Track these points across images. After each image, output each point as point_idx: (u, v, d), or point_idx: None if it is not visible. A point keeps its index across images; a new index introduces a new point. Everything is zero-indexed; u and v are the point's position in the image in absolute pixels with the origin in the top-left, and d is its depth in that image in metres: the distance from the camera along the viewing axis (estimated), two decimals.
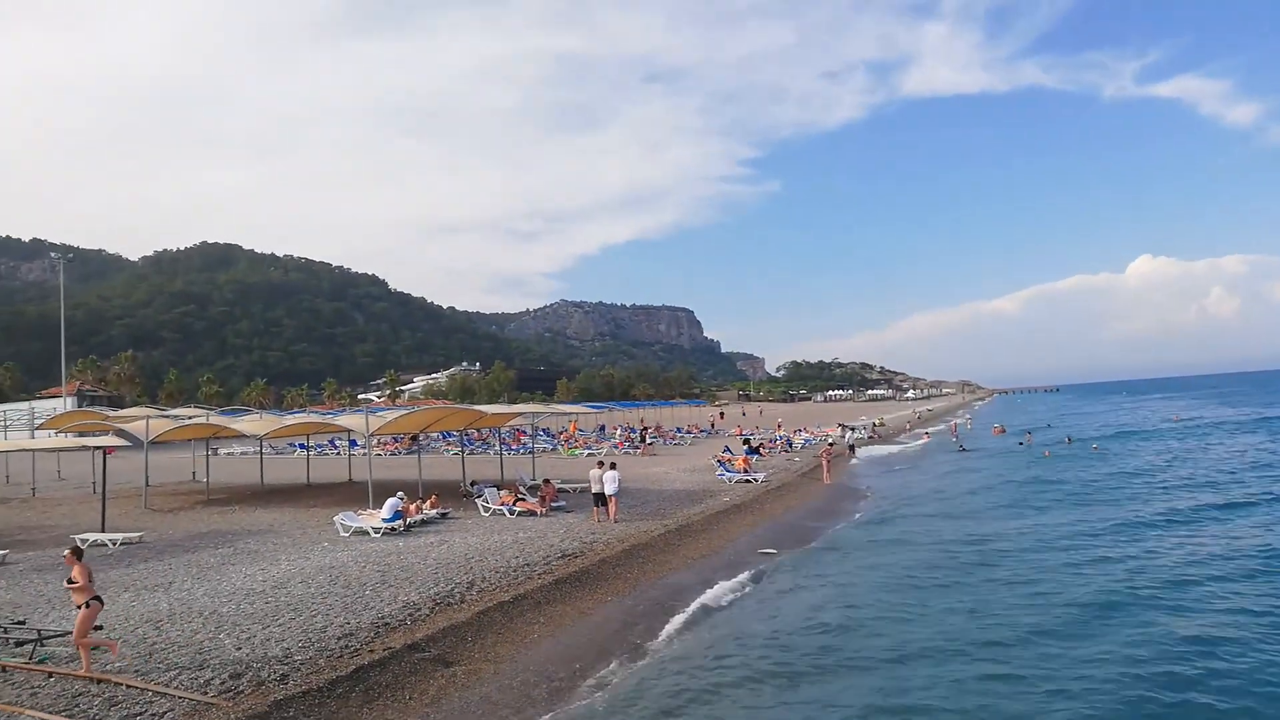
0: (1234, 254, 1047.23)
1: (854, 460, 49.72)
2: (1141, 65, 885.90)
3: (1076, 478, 37.49)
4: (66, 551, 11.95)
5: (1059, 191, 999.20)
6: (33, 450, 36.86)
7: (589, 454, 51.10)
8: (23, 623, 13.21)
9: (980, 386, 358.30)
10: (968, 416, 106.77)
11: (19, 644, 11.97)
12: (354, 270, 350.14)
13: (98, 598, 11.48)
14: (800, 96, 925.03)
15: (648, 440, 54.60)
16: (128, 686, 10.64)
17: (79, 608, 11.23)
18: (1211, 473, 36.79)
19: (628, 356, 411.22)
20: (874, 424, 79.74)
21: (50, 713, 9.77)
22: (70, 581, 11.33)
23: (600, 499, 24.13)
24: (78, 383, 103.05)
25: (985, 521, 26.77)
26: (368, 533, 22.07)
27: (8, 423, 52.15)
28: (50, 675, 11.02)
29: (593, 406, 78.11)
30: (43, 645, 11.97)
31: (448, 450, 55.61)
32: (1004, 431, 70.17)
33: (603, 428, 73.17)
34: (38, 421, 45.02)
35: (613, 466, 24.93)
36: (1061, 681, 12.05)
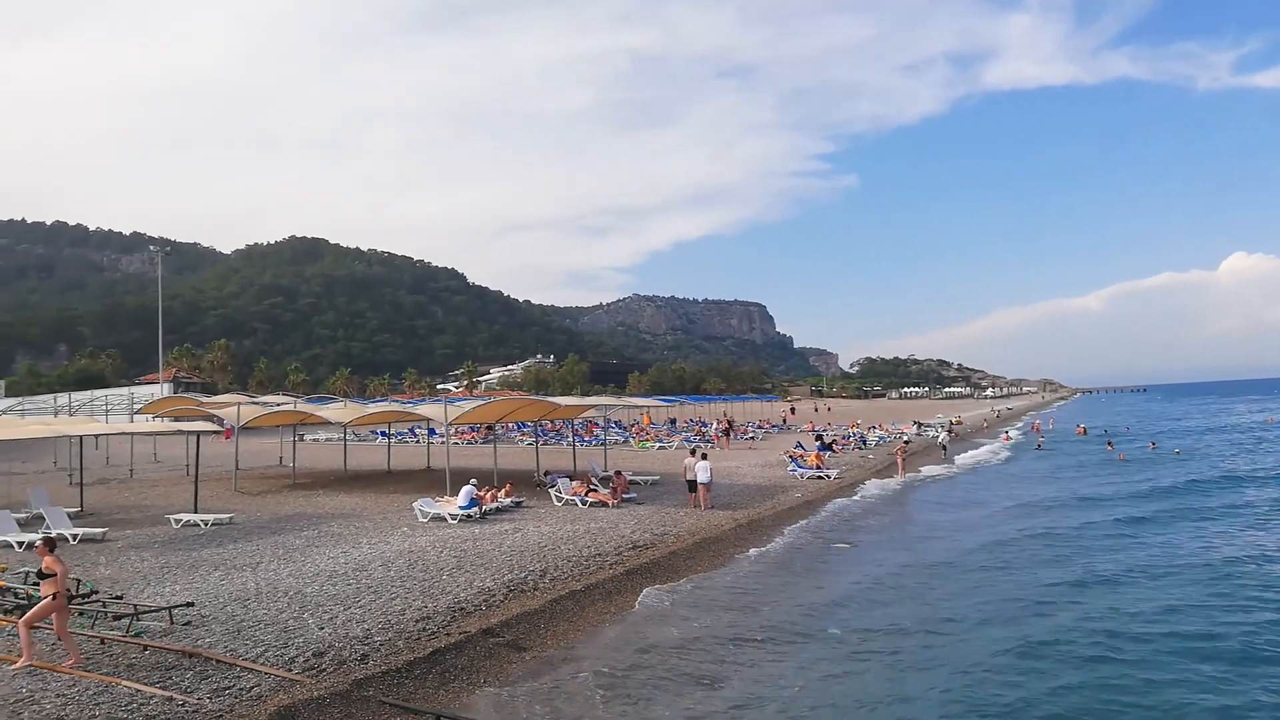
0: None
1: (942, 459, 48.60)
2: (1238, 55, 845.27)
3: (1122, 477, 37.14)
4: (38, 542, 11.92)
5: (1148, 186, 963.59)
6: (131, 434, 38.67)
7: (660, 447, 51.22)
8: (120, 598, 13.84)
9: (1063, 385, 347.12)
10: (1048, 416, 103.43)
11: (117, 618, 12.53)
12: (434, 264, 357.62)
13: (70, 596, 11.17)
14: (877, 91, 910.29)
15: (731, 435, 54.32)
16: (217, 661, 11.06)
17: (46, 599, 10.93)
18: None
19: (699, 350, 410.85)
20: (950, 422, 77.80)
21: (145, 684, 10.19)
22: (41, 575, 11.09)
23: (693, 486, 25.34)
24: (174, 370, 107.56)
25: (1039, 515, 26.85)
26: (445, 519, 22.53)
27: (109, 407, 54.76)
28: (146, 648, 11.47)
29: (664, 400, 78.20)
30: (139, 619, 12.49)
31: (522, 440, 56.36)
32: (1086, 432, 68.44)
33: (673, 421, 73.20)
34: (136, 407, 47.16)
35: (704, 456, 26.42)
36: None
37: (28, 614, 11.14)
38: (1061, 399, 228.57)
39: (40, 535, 12.21)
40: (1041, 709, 11.02)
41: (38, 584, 14.42)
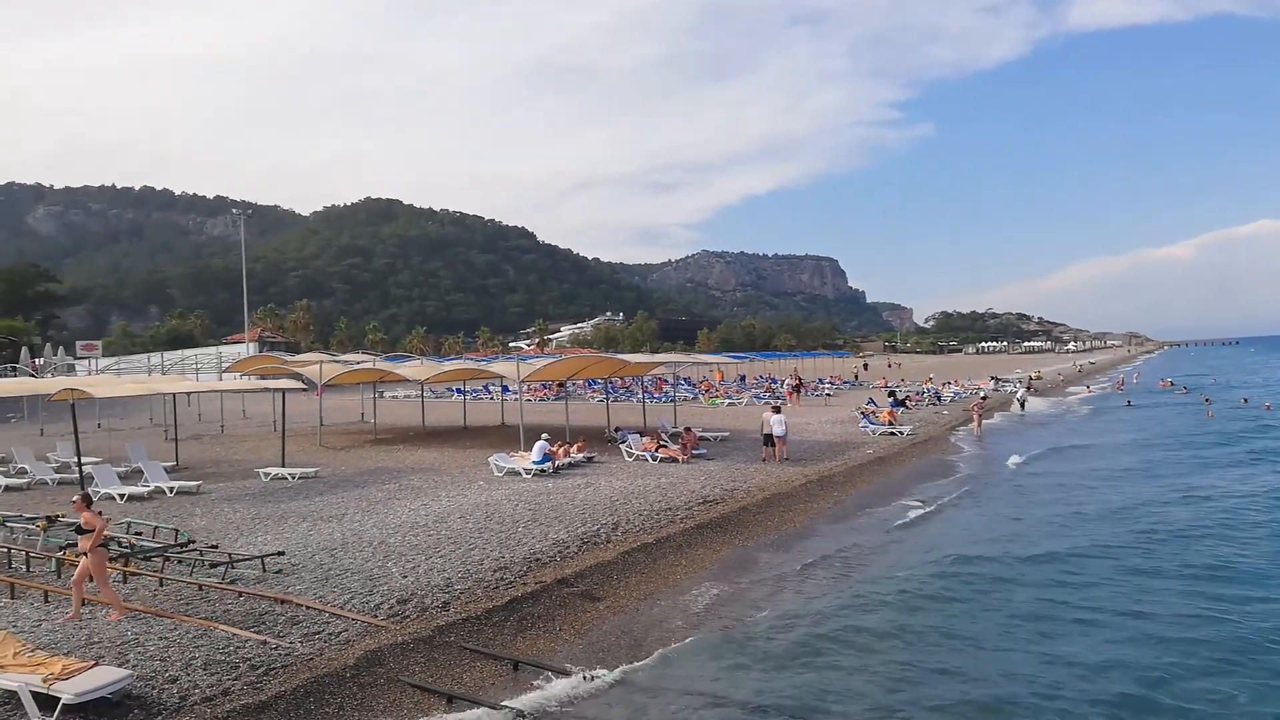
0: None
1: (1020, 414, 47.58)
2: None
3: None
4: (76, 498, 11.84)
5: (1243, 128, 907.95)
6: (220, 391, 40.29)
7: (729, 403, 51.14)
8: (215, 547, 14.57)
9: (1149, 339, 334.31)
10: (1133, 370, 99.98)
11: (213, 566, 13.19)
12: (504, 224, 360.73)
13: (104, 545, 11.27)
14: (956, 34, 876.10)
15: (801, 391, 53.90)
16: (307, 608, 11.60)
17: (83, 554, 10.98)
18: None
19: (770, 307, 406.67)
20: (1029, 378, 75.69)
21: (240, 628, 10.75)
22: (80, 530, 11.05)
23: (769, 439, 25.84)
24: (259, 330, 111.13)
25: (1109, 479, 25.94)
26: (519, 473, 22.98)
27: (198, 366, 57.09)
28: (240, 595, 12.07)
29: (733, 356, 77.85)
30: (234, 568, 13.13)
31: (593, 397, 56.88)
32: (1171, 385, 66.52)
33: (743, 378, 72.91)
34: (224, 365, 49.06)
35: (778, 410, 26.97)
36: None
37: (75, 573, 11.35)
38: (1148, 353, 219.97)
39: (79, 493, 12.13)
40: None
41: (139, 534, 15.33)
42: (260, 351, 78.56)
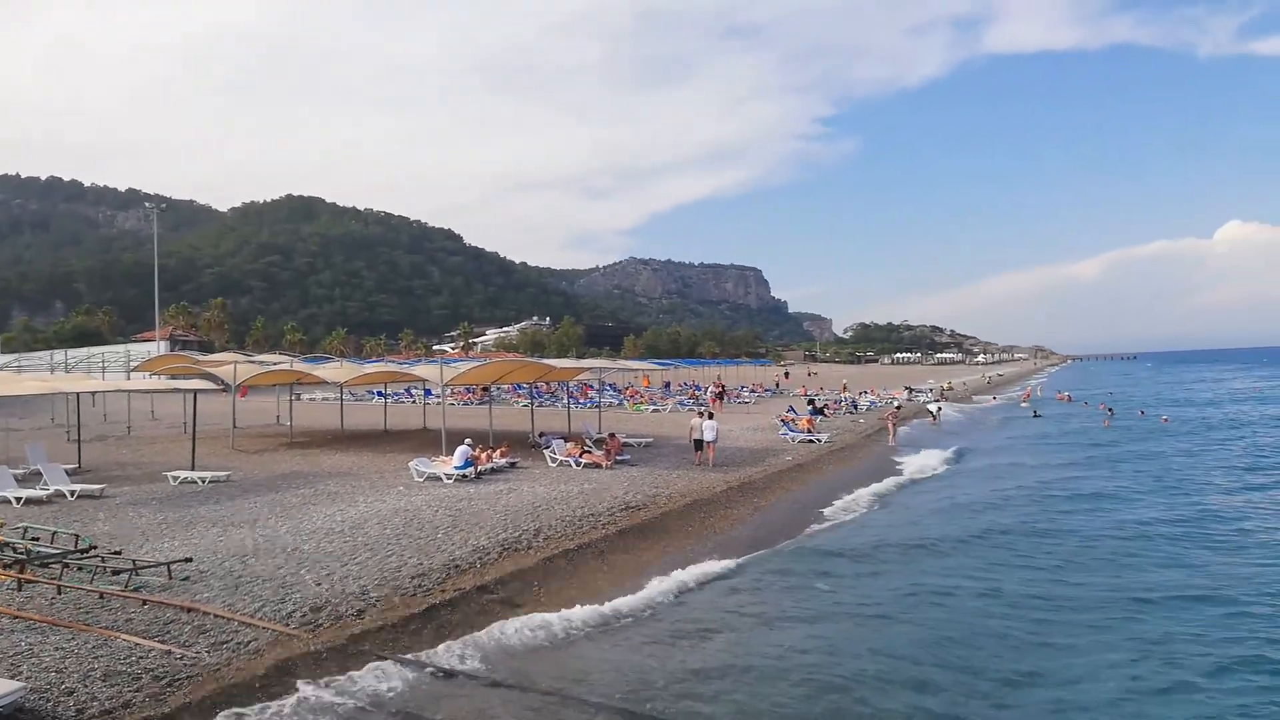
0: None
1: (933, 424, 49.09)
2: (1241, 21, 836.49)
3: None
4: None
5: (1145, 154, 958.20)
6: (128, 391, 38.73)
7: (654, 410, 51.46)
8: (119, 553, 14.01)
9: (1054, 352, 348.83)
10: (1039, 383, 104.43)
11: (116, 573, 12.69)
12: (431, 225, 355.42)
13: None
14: (883, 53, 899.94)
15: (723, 398, 54.51)
16: (215, 616, 11.25)
17: None
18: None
19: (695, 315, 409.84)
20: (941, 388, 78.23)
21: (143, 637, 10.37)
22: None
23: (699, 445, 26.56)
24: (170, 328, 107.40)
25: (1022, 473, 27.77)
26: (441, 479, 22.72)
27: (105, 365, 54.79)
28: (144, 603, 11.64)
29: (659, 363, 78.40)
30: (138, 574, 12.66)
31: (517, 402, 56.59)
32: (1070, 399, 69.35)
33: (668, 384, 73.43)
34: (133, 364, 47.20)
35: (710, 417, 27.49)
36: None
37: None
38: (1053, 366, 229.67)
39: None
40: None
41: (36, 539, 14.66)
42: (171, 350, 75.97)
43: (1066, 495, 25.15)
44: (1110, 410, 53.77)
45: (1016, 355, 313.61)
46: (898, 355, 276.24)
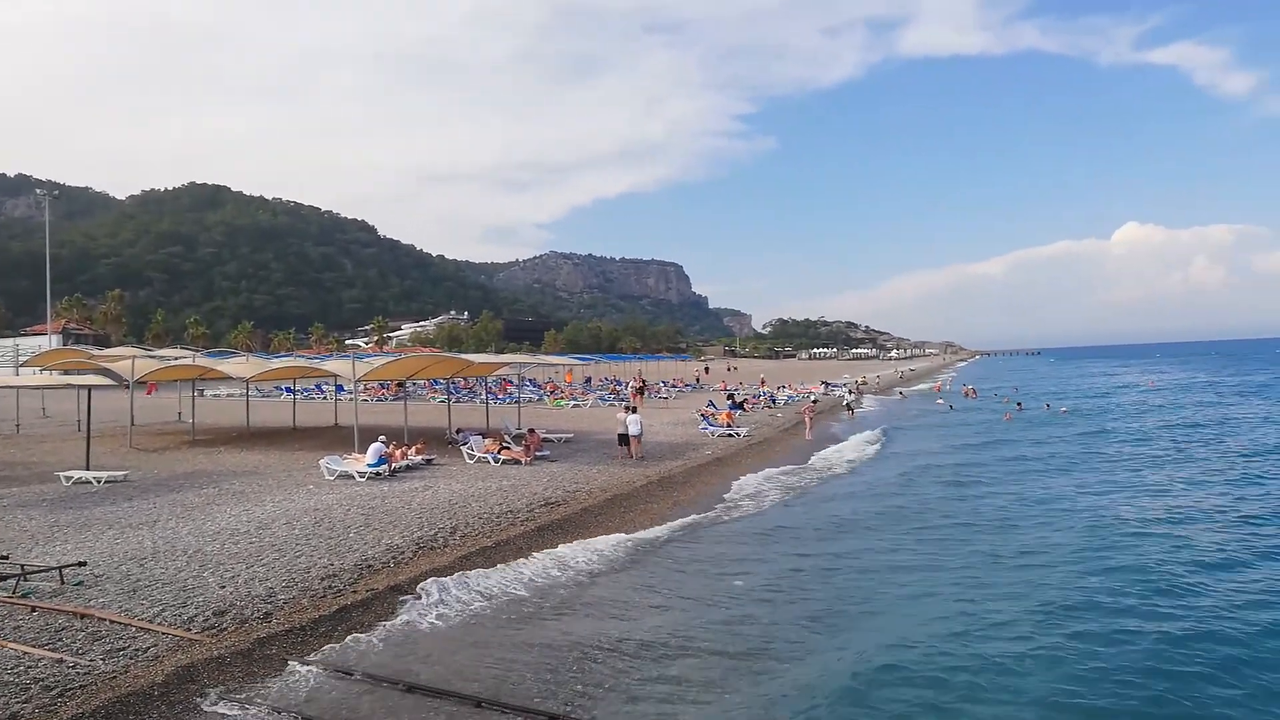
0: (1221, 224, 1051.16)
1: (848, 417, 50.27)
2: (1140, 31, 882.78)
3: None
4: None
5: (1049, 156, 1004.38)
6: (17, 387, 36.72)
7: (574, 405, 51.35)
8: (6, 558, 13.27)
9: (963, 348, 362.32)
10: (949, 377, 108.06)
11: (2, 579, 12.03)
12: (343, 216, 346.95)
13: None
14: (800, 53, 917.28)
15: (644, 393, 54.66)
16: (111, 621, 10.76)
17: None
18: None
19: (616, 310, 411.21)
20: (857, 382, 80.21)
21: (34, 646, 9.86)
22: None
23: (623, 439, 27.06)
24: (63, 321, 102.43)
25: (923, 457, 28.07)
26: (353, 477, 22.20)
27: None
28: (34, 610, 11.07)
29: (580, 358, 78.29)
30: (26, 580, 12.03)
31: (434, 398, 55.73)
32: (975, 393, 71.50)
33: (588, 380, 73.36)
34: (22, 359, 44.75)
35: (634, 411, 28.49)
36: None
37: None
38: (962, 360, 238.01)
39: None
40: None
41: None
42: (64, 344, 72.19)
43: (952, 481, 26.34)
44: (1019, 405, 55.79)
45: (928, 350, 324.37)
46: (815, 351, 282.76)
